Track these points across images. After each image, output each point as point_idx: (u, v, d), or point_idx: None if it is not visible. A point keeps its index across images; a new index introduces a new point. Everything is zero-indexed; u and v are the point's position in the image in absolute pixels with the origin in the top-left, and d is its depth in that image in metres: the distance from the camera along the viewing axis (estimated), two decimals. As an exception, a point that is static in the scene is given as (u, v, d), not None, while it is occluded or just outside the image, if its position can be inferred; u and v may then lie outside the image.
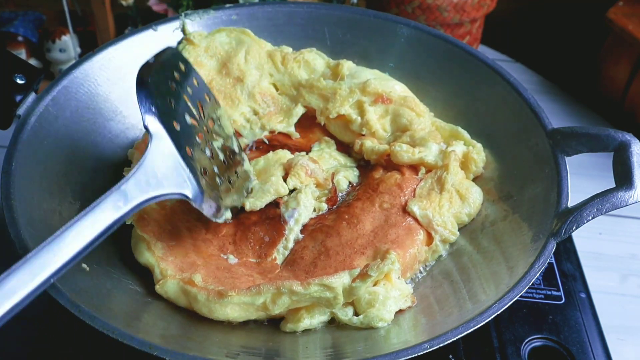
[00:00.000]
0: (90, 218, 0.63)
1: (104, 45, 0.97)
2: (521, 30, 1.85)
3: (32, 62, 1.39)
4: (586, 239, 1.11)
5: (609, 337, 0.93)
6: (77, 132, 0.90)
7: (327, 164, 0.95)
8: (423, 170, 0.91)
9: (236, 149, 0.90)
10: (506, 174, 0.90)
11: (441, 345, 0.67)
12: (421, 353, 0.66)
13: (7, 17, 1.40)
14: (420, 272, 0.85)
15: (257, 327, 0.79)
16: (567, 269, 1.03)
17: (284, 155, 0.93)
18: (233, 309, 0.75)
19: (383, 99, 0.97)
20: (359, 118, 0.97)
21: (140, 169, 0.69)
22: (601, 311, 0.97)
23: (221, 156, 0.84)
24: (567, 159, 0.83)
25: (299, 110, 1.00)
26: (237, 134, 0.97)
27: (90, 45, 1.38)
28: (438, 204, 0.86)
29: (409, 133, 0.95)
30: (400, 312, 0.78)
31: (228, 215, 0.81)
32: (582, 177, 1.04)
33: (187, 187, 0.73)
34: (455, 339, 0.67)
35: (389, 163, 0.93)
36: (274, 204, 0.87)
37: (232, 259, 0.83)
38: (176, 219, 0.85)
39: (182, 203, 0.79)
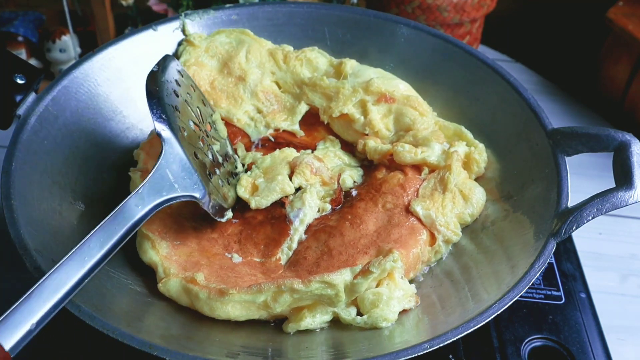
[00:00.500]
0: (109, 223, 0.69)
1: (104, 45, 0.97)
2: (521, 30, 1.85)
3: (32, 62, 1.39)
4: (586, 239, 1.11)
5: (609, 337, 0.93)
6: (77, 132, 0.90)
7: (332, 163, 0.95)
8: (426, 170, 0.91)
9: (230, 152, 0.93)
10: (506, 174, 0.91)
11: (441, 345, 0.67)
12: (421, 353, 0.66)
13: (7, 17, 1.40)
14: (423, 272, 0.86)
15: (258, 327, 0.79)
16: (567, 269, 1.03)
17: (290, 153, 0.93)
18: (234, 307, 0.76)
19: (386, 98, 0.97)
20: (362, 117, 0.97)
21: (154, 174, 0.74)
22: (601, 311, 0.97)
23: (220, 159, 0.87)
24: (567, 159, 0.83)
25: (303, 108, 1.01)
26: (242, 134, 0.99)
27: (90, 45, 1.38)
28: (441, 204, 0.86)
29: (412, 132, 0.95)
30: (403, 312, 0.78)
31: (230, 214, 0.85)
32: (582, 177, 1.05)
33: (196, 189, 0.76)
34: (455, 339, 0.68)
35: (392, 163, 0.93)
36: (280, 204, 0.88)
37: (237, 258, 0.83)
38: (182, 218, 0.86)
39: (188, 203, 0.81)
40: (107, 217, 0.69)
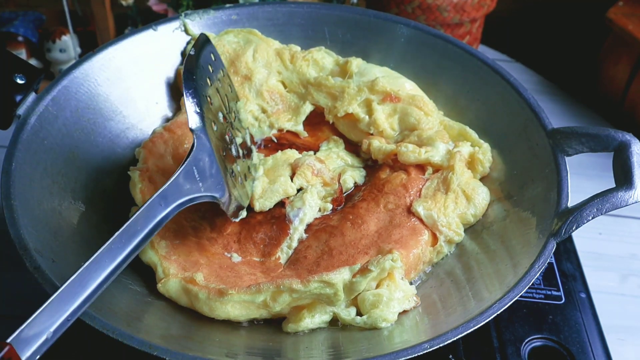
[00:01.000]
0: (132, 224, 0.67)
1: (104, 45, 0.97)
2: (521, 30, 1.85)
3: (32, 62, 1.39)
4: (586, 239, 1.11)
5: (609, 337, 0.93)
6: (77, 132, 0.90)
7: (334, 164, 0.95)
8: (430, 170, 0.91)
9: (248, 142, 0.91)
10: (506, 174, 0.90)
11: (441, 345, 0.67)
12: (421, 353, 0.66)
13: (7, 17, 1.40)
14: (424, 272, 0.85)
15: (258, 327, 0.79)
16: (567, 269, 1.03)
17: (292, 155, 0.93)
18: (234, 307, 0.76)
19: (391, 98, 0.97)
20: (367, 117, 0.97)
21: (183, 170, 0.72)
22: (601, 311, 0.97)
23: (241, 153, 0.85)
24: (567, 159, 0.83)
25: (307, 109, 1.01)
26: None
27: (90, 45, 1.38)
28: (443, 204, 0.86)
29: (417, 132, 0.95)
30: (403, 312, 0.78)
31: (244, 214, 0.83)
32: (582, 177, 1.05)
33: (219, 189, 0.74)
34: (455, 339, 0.68)
35: (396, 163, 0.93)
36: (280, 203, 0.88)
37: (236, 258, 0.83)
38: (181, 218, 0.85)
39: None
40: (130, 219, 0.67)
